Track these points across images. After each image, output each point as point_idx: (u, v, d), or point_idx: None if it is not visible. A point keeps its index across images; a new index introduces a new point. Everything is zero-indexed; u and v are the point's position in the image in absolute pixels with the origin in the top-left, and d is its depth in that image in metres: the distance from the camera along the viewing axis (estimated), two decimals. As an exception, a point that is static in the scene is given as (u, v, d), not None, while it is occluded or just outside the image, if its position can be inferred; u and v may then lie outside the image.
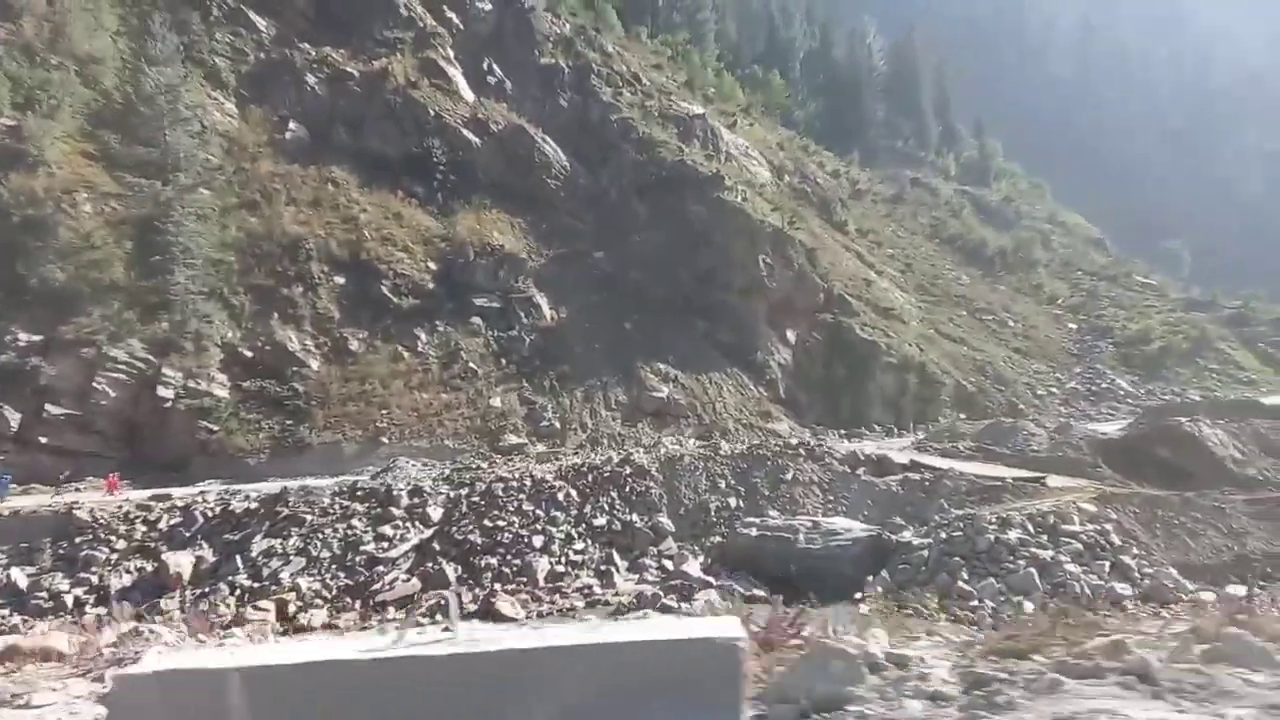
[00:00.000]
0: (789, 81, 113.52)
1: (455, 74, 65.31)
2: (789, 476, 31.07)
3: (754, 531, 27.46)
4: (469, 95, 64.57)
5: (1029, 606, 21.54)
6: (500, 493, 30.43)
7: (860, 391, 54.77)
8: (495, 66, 67.69)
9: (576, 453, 39.61)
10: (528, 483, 31.13)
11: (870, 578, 24.32)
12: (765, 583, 26.36)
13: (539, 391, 44.32)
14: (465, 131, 60.05)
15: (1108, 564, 23.46)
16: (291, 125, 57.14)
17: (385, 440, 39.15)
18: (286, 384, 40.13)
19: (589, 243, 58.64)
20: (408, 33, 66.46)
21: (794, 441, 35.74)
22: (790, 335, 54.85)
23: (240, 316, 42.48)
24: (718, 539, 28.76)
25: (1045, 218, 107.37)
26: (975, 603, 21.92)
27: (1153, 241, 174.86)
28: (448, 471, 32.89)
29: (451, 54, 67.95)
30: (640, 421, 44.98)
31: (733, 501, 30.54)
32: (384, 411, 40.24)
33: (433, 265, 49.55)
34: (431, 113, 59.59)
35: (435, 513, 29.58)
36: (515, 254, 51.02)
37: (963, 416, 56.52)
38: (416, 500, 29.94)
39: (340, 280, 46.43)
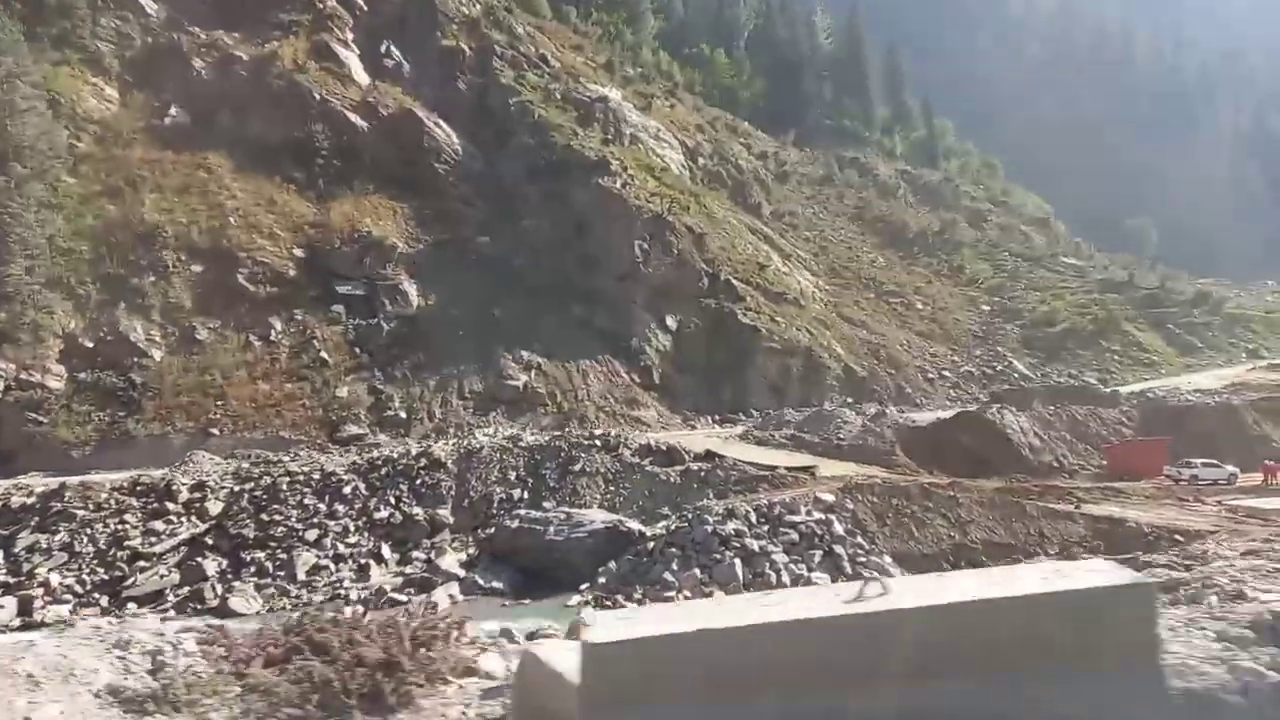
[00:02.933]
0: (734, 60, 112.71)
1: (350, 57, 64.71)
2: (578, 468, 31.09)
3: (514, 524, 27.56)
4: (363, 79, 63.98)
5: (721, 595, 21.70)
6: (285, 487, 30.46)
7: (741, 377, 54.68)
8: (394, 49, 67.02)
9: (421, 443, 39.59)
10: (316, 476, 31.17)
11: (600, 569, 24.49)
12: (521, 574, 26.57)
13: (389, 381, 44.27)
14: (352, 116, 59.58)
15: (819, 554, 23.55)
16: (173, 110, 56.70)
17: (216, 432, 39.14)
18: (125, 375, 40.05)
19: (476, 228, 58.32)
20: (305, 15, 65.84)
21: (598, 432, 35.69)
22: (670, 321, 54.67)
23: (86, 307, 42.39)
24: (492, 531, 28.83)
25: (987, 197, 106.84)
26: (671, 594, 22.07)
27: (1118, 220, 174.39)
28: (245, 465, 32.82)
29: (351, 37, 67.29)
30: (494, 410, 44.92)
31: (517, 493, 30.60)
32: (220, 403, 40.21)
33: (298, 252, 49.36)
34: (317, 97, 59.08)
35: (215, 507, 29.66)
36: (383, 240, 50.73)
37: (849, 400, 56.50)
38: (198, 495, 29.99)
39: (198, 268, 46.25)
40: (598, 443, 32.51)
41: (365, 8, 70.16)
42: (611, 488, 30.28)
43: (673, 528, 24.63)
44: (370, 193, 56.08)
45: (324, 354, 44.25)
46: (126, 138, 53.24)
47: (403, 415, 42.55)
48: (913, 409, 50.26)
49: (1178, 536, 22.98)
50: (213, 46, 61.13)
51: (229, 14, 63.53)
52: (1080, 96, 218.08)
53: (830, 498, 26.04)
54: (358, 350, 45.31)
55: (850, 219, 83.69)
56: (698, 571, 22.61)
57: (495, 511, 29.92)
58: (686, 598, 21.39)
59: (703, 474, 29.77)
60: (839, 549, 23.62)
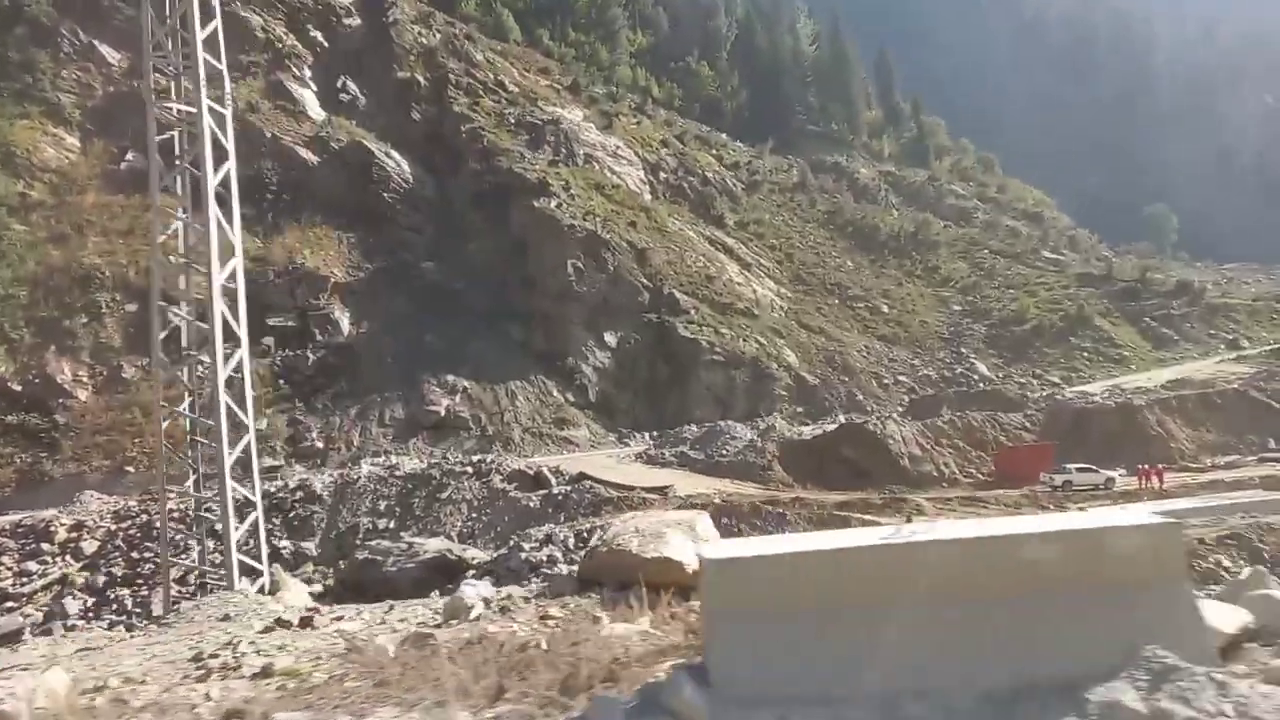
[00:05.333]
0: (717, 72, 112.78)
1: (305, 94, 66.31)
2: (445, 495, 31.31)
3: (363, 556, 27.83)
4: (318, 114, 65.50)
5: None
6: (159, 525, 31.15)
7: (684, 391, 54.49)
8: (350, 84, 68.51)
9: (336, 472, 40.22)
10: (190, 514, 31.79)
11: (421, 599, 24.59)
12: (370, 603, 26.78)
13: (311, 411, 45.06)
14: (303, 151, 60.95)
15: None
16: (129, 156, 58.64)
17: (131, 469, 40.18)
18: (49, 416, 41.39)
19: (422, 253, 59.20)
20: (264, 55, 67.67)
21: (474, 459, 35.86)
22: (610, 338, 54.75)
23: (18, 351, 43.92)
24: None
25: (976, 194, 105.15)
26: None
27: (1137, 208, 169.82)
28: (130, 503, 33.68)
29: (309, 74, 69.01)
30: (416, 436, 45.42)
31: (384, 523, 30.92)
32: (137, 440, 41.28)
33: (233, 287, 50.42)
34: (268, 135, 60.55)
35: (90, 546, 30.49)
36: (315, 271, 51.67)
37: (799, 410, 56.11)
38: (75, 534, 30.86)
39: (132, 307, 47.59)
40: (470, 469, 32.72)
41: (326, 45, 72.00)
42: (474, 514, 30.44)
43: (494, 555, 24.67)
44: (317, 224, 57.30)
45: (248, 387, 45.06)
46: (81, 184, 55.19)
47: (320, 445, 43.24)
48: (847, 418, 49.67)
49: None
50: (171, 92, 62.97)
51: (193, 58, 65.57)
52: (1100, 84, 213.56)
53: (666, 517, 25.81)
54: (282, 382, 46.19)
55: (821, 224, 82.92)
56: (502, 599, 22.59)
57: (358, 542, 30.23)
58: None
59: (560, 498, 29.78)
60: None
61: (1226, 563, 21.47)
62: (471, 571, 24.69)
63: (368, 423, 45.25)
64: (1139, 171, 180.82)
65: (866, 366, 60.79)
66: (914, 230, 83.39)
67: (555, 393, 51.02)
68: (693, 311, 57.38)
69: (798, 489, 31.39)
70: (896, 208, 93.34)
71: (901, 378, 60.36)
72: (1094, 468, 32.04)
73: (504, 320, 54.98)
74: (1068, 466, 31.88)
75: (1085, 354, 63.77)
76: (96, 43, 63.92)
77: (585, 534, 25.00)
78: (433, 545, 26.90)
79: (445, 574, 25.60)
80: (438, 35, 76.05)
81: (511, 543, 24.93)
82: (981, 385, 59.00)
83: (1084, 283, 74.83)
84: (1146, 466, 31.54)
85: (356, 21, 75.16)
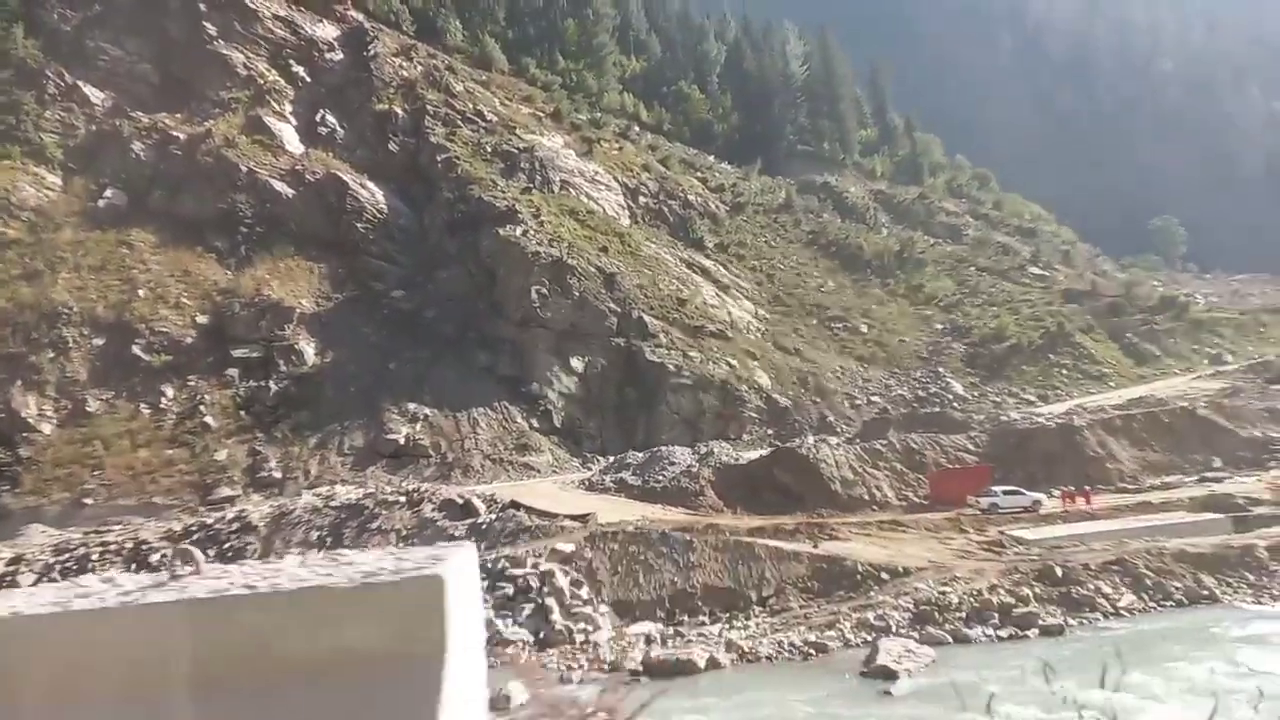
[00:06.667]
0: (708, 95, 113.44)
1: (284, 128, 67.52)
2: (376, 525, 31.48)
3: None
4: (296, 148, 66.63)
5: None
6: (95, 557, 31.60)
7: (653, 415, 54.48)
8: (329, 116, 69.70)
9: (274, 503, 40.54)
10: (129, 545, 32.25)
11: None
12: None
13: (270, 441, 45.51)
14: (278, 184, 61.95)
15: (529, 607, 23.38)
16: (108, 193, 59.92)
17: (90, 501, 40.77)
18: (12, 450, 42.12)
19: (395, 282, 59.89)
20: (245, 91, 69.06)
21: (410, 488, 36.02)
22: (577, 363, 54.92)
23: (-15, 387, 44.80)
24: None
25: (969, 210, 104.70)
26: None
27: (1143, 221, 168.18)
28: (74, 536, 34.15)
29: (290, 109, 70.35)
30: (375, 464, 45.71)
31: (313, 554, 31.00)
32: (96, 473, 41.91)
33: (202, 320, 51.35)
34: (244, 169, 61.63)
35: (26, 580, 30.90)
36: (280, 302, 52.36)
37: (769, 432, 55.87)
38: (12, 568, 31.32)
39: (99, 342, 48.54)
40: (403, 499, 32.88)
41: (308, 79, 73.43)
42: (401, 543, 30.51)
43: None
44: (289, 255, 58.17)
45: (209, 418, 45.79)
46: (59, 222, 56.42)
47: (278, 475, 43.62)
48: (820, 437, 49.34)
49: (884, 575, 22.22)
50: (153, 129, 64.43)
51: (172, 95, 67.20)
52: (1103, 93, 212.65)
53: (569, 548, 25.85)
54: (243, 413, 46.74)
55: (805, 244, 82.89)
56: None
57: (286, 572, 30.40)
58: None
59: (484, 526, 29.86)
60: (550, 601, 23.42)
61: (1107, 589, 21.10)
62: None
63: (327, 452, 45.64)
64: (1145, 182, 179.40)
65: (840, 387, 60.48)
66: (899, 249, 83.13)
67: (519, 419, 51.18)
68: (661, 335, 57.44)
69: (727, 514, 31.26)
70: (886, 226, 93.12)
71: (875, 398, 59.98)
72: (1021, 490, 31.59)
73: (472, 347, 55.38)
74: (994, 489, 31.48)
75: (1064, 371, 63.07)
76: (81, 83, 65.64)
77: (489, 564, 25.04)
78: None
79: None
80: (419, 68, 77.27)
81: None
82: (954, 405, 58.56)
83: (1069, 299, 74.14)
84: (1072, 489, 31.11)
85: (339, 56, 76.69)
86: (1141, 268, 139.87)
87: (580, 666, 20.71)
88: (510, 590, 23.73)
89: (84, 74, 65.82)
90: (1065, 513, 29.94)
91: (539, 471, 48.24)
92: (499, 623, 22.88)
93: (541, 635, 22.37)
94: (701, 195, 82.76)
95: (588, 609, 23.28)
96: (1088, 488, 31.34)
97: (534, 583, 23.92)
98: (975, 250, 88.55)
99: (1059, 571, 21.75)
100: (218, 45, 69.96)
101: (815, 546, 24.56)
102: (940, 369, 64.23)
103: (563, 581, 24.18)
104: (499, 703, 18.22)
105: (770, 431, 56.03)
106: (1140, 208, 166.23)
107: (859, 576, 21.87)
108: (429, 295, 58.75)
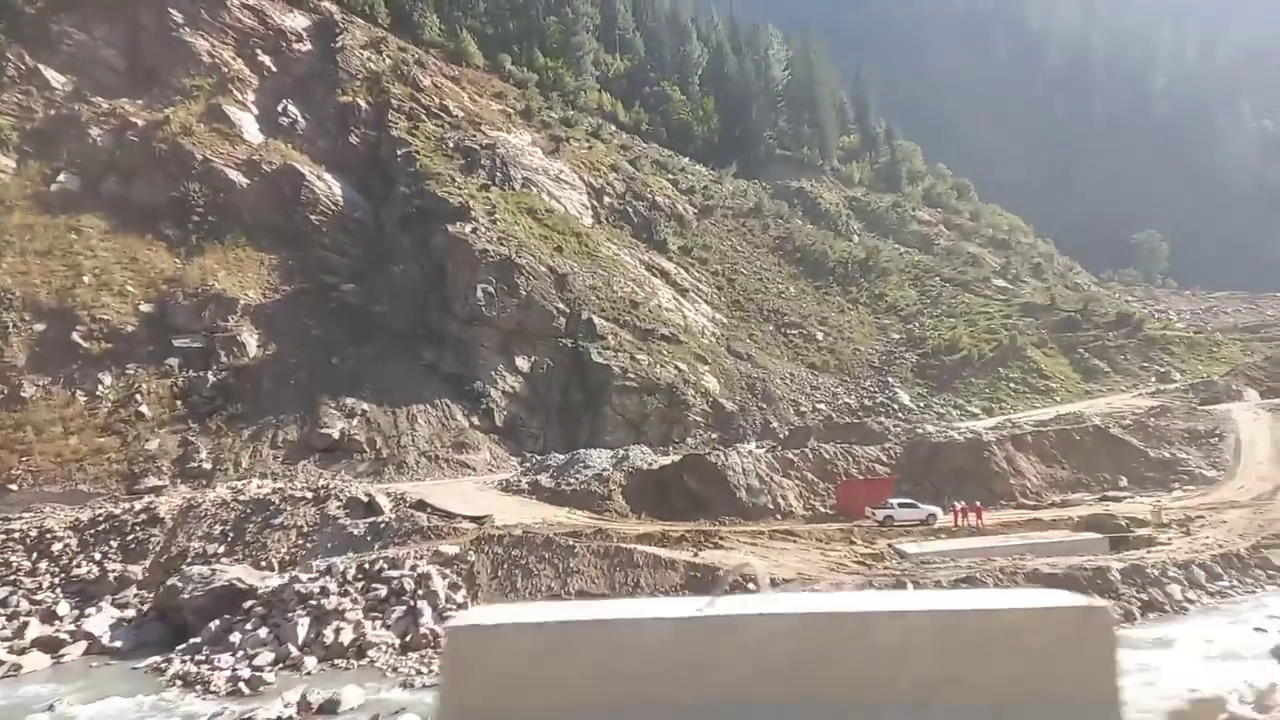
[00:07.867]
0: (689, 97, 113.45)
1: (244, 118, 67.41)
2: (279, 521, 31.59)
3: (174, 581, 28.14)
4: (255, 138, 66.54)
5: (268, 657, 21.95)
6: (-2, 543, 31.64)
7: (597, 416, 54.63)
8: (291, 107, 69.60)
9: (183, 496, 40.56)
10: (33, 534, 32.31)
11: (204, 628, 24.87)
12: (175, 632, 27.09)
13: (204, 432, 45.57)
14: (233, 174, 61.90)
15: (399, 610, 23.54)
16: (61, 177, 59.83)
17: (15, 487, 40.78)
18: (-59, 434, 42.08)
19: (347, 276, 59.91)
20: (208, 79, 68.92)
21: (319, 485, 36.13)
22: (523, 362, 55.04)
23: (-80, 372, 44.78)
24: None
25: (942, 220, 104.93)
26: (227, 656, 22.31)
27: (1127, 234, 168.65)
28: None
29: (252, 98, 70.22)
30: (308, 459, 45.78)
31: (214, 548, 31.17)
32: (24, 459, 41.91)
33: (145, 308, 51.33)
34: (199, 158, 61.57)
35: (-75, 564, 30.94)
36: (224, 293, 52.36)
37: (714, 436, 56.11)
38: (-85, 552, 31.33)
39: (40, 328, 48.50)
40: (309, 495, 32.99)
41: (274, 69, 73.30)
42: (301, 540, 30.68)
43: (276, 585, 24.91)
44: (241, 246, 58.19)
45: (144, 408, 45.82)
46: (9, 205, 56.30)
47: (208, 466, 43.68)
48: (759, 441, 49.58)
49: (750, 586, 22.38)
50: (112, 115, 64.29)
51: (135, 82, 67.09)
52: (1097, 104, 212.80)
53: (453, 550, 26.02)
54: (180, 403, 46.78)
55: (771, 250, 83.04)
56: (263, 632, 22.82)
57: (185, 567, 30.51)
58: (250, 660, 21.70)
59: (382, 526, 30.00)
60: (423, 604, 23.57)
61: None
62: (253, 600, 24.97)
63: (260, 444, 45.69)
64: (1133, 196, 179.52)
65: (787, 394, 60.68)
66: (864, 256, 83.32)
67: (459, 416, 51.28)
68: (610, 337, 57.56)
69: (631, 519, 31.46)
70: (858, 234, 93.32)
71: (820, 405, 60.19)
72: (917, 504, 31.90)
73: (419, 343, 55.51)
74: (890, 501, 31.76)
75: (1012, 385, 63.34)
76: (43, 67, 65.47)
77: (368, 565, 25.20)
78: (233, 573, 27.14)
79: (230, 603, 25.86)
80: (387, 61, 77.20)
81: (289, 574, 25.13)
82: (900, 415, 58.84)
83: (1027, 312, 74.41)
84: (963, 504, 31.38)
85: (307, 47, 76.56)
86: (1120, 282, 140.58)
87: (434, 671, 20.89)
88: (383, 592, 23.85)
89: (47, 58, 65.63)
90: (955, 527, 30.28)
91: (475, 470, 48.38)
92: (366, 624, 23.03)
93: (408, 638, 22.51)
94: (670, 197, 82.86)
95: (460, 612, 23.44)
96: (979, 503, 31.58)
97: (409, 585, 24.06)
98: (943, 261, 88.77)
99: (909, 587, 22.04)
100: (183, 33, 69.80)
101: (696, 555, 24.76)
102: (890, 379, 64.50)
103: (439, 585, 24.32)
104: (327, 707, 18.42)
105: (714, 435, 56.28)
106: (1127, 221, 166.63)
107: (728, 588, 22.03)
108: (380, 290, 58.82)
